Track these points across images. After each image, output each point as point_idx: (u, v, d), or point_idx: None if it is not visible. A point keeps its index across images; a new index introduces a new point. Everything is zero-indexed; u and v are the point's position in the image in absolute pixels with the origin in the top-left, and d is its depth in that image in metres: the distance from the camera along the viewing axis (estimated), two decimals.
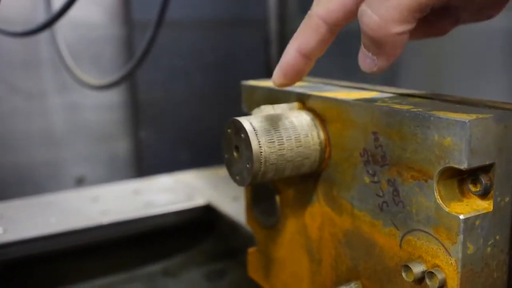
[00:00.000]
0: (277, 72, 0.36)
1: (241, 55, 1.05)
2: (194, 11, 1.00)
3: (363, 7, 0.29)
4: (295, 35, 0.34)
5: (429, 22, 0.34)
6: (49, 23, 0.68)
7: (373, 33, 0.28)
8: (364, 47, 0.30)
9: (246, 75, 1.04)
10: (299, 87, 0.42)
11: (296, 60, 0.34)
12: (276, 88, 0.43)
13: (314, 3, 0.33)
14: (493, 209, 0.29)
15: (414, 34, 0.32)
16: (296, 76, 0.35)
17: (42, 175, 0.99)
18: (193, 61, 1.02)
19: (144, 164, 1.03)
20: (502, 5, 0.31)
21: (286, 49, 0.35)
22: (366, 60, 0.31)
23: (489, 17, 0.31)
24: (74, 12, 0.65)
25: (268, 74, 1.10)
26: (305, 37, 0.34)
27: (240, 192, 0.67)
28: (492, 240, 0.30)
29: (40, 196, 0.78)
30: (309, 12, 0.34)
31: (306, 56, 0.34)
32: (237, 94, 0.48)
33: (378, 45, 0.29)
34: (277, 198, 0.44)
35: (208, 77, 1.03)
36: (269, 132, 0.36)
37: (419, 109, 0.30)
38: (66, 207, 0.73)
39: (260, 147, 0.35)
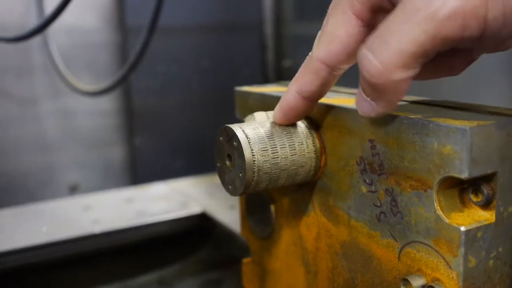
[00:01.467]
0: (278, 111, 0.35)
1: (237, 60, 1.04)
2: (189, 16, 0.99)
3: (363, 51, 0.27)
4: (296, 76, 0.33)
5: (439, 62, 0.32)
6: (41, 28, 0.67)
7: (373, 79, 0.26)
8: (363, 91, 0.28)
9: (242, 80, 1.03)
10: None
11: (296, 102, 0.34)
12: (270, 94, 0.42)
13: (315, 45, 0.32)
14: (495, 220, 0.28)
15: (422, 75, 0.30)
16: (296, 117, 0.35)
17: (35, 183, 0.98)
18: (189, 67, 1.00)
19: (139, 171, 1.01)
20: None
21: (287, 89, 0.34)
22: (363, 104, 0.29)
23: (507, 47, 0.28)
24: (67, 17, 0.64)
25: (264, 79, 1.09)
26: (305, 80, 0.33)
27: (236, 201, 0.66)
28: (495, 253, 0.29)
29: (31, 205, 0.77)
30: (310, 54, 0.32)
31: (306, 98, 0.33)
32: (233, 100, 0.47)
33: (378, 91, 0.27)
34: (272, 207, 0.43)
35: (203, 83, 1.02)
36: (263, 140, 0.34)
37: (417, 116, 0.29)
38: (58, 216, 0.72)
39: (253, 155, 0.34)
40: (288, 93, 0.34)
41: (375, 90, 0.27)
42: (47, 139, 0.97)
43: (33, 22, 0.90)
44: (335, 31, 0.30)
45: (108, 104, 1.00)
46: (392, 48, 0.25)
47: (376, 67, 0.26)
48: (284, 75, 1.03)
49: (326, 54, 0.31)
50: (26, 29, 0.69)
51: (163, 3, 0.69)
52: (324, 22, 0.31)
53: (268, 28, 1.05)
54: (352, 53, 0.30)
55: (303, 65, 0.33)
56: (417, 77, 0.29)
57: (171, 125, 1.02)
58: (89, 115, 0.99)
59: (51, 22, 0.63)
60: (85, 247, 0.66)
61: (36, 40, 0.89)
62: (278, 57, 1.05)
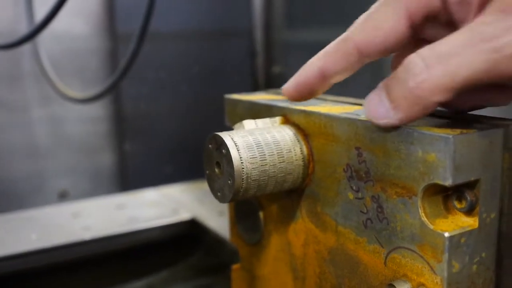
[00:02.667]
0: (292, 85, 0.33)
1: (226, 66, 1.05)
2: (179, 23, 0.99)
3: (416, 59, 0.26)
4: (323, 52, 0.32)
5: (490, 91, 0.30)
6: (32, 35, 0.67)
7: (416, 91, 0.26)
8: (388, 96, 0.27)
9: (232, 86, 1.03)
10: (282, 101, 0.42)
11: (315, 79, 0.32)
12: (259, 102, 0.42)
13: (355, 27, 0.31)
14: (478, 226, 0.29)
15: (472, 101, 0.30)
16: (309, 95, 0.34)
17: (24, 189, 0.97)
18: (178, 73, 1.01)
19: (129, 177, 1.01)
20: None
21: (308, 64, 0.32)
22: (379, 109, 0.28)
23: None
24: (57, 24, 0.64)
25: (254, 85, 1.10)
26: (333, 60, 0.31)
27: (225, 207, 0.66)
28: (478, 258, 0.29)
29: (20, 212, 0.77)
30: (346, 34, 0.31)
31: (326, 78, 0.32)
32: (222, 106, 0.48)
33: (407, 102, 0.26)
34: (261, 214, 0.43)
35: (193, 89, 1.02)
36: (251, 148, 0.35)
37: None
38: (47, 222, 0.72)
39: (242, 163, 0.34)
40: (309, 67, 0.32)
41: (407, 101, 0.27)
42: (36, 146, 0.97)
43: (23, 29, 0.90)
44: (382, 23, 0.29)
45: (98, 110, 1.00)
46: (449, 69, 0.25)
47: (425, 80, 0.25)
48: (273, 81, 1.03)
49: (365, 41, 0.30)
50: (16, 36, 0.69)
51: (153, 11, 0.69)
52: (374, 7, 0.30)
53: (258, 35, 1.06)
54: (388, 50, 0.30)
55: (334, 43, 0.31)
56: (471, 104, 0.30)
57: (161, 131, 1.02)
58: (78, 121, 0.99)
59: (42, 29, 0.63)
60: (75, 253, 0.66)
61: (26, 46, 0.89)
62: (268, 63, 1.05)
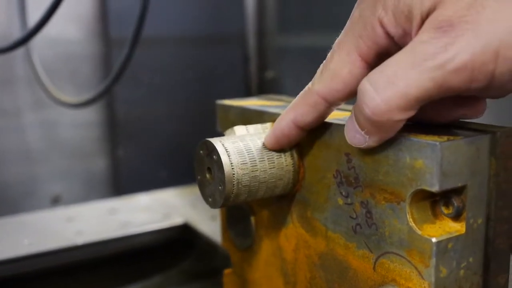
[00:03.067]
0: (271, 136, 0.35)
1: (220, 71, 1.05)
2: (172, 28, 0.99)
3: (366, 86, 0.27)
4: (293, 105, 0.34)
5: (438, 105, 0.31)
6: (25, 40, 0.67)
7: (374, 116, 0.27)
8: (357, 124, 0.29)
9: (226, 91, 1.04)
10: (273, 107, 0.42)
11: (290, 131, 0.34)
12: (250, 108, 0.43)
13: (316, 78, 0.32)
14: (465, 231, 0.29)
15: (438, 116, 0.30)
16: (288, 143, 0.36)
17: (17, 194, 0.97)
18: (172, 78, 1.01)
19: (122, 182, 1.01)
20: None
21: (282, 116, 0.34)
22: (355, 136, 0.29)
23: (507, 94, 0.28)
24: (50, 29, 0.64)
25: (247, 90, 1.10)
26: (302, 111, 0.33)
27: (217, 212, 0.67)
28: (465, 263, 0.30)
29: (13, 216, 0.77)
30: (310, 86, 0.32)
31: (300, 128, 0.34)
32: (215, 111, 0.48)
33: (374, 126, 0.28)
34: (252, 219, 0.43)
35: (187, 94, 1.03)
36: (242, 154, 0.35)
37: None
38: (40, 227, 0.72)
39: (233, 168, 0.34)
40: (283, 120, 0.34)
41: (372, 126, 0.28)
42: (29, 150, 0.97)
43: (16, 33, 0.90)
44: (339, 70, 0.31)
45: (91, 115, 1.00)
46: (398, 90, 0.26)
47: (378, 106, 0.26)
48: (266, 86, 1.04)
49: (327, 91, 0.31)
50: (9, 40, 0.69)
51: (146, 16, 0.70)
52: (328, 57, 0.31)
53: (251, 40, 1.06)
54: (353, 92, 0.31)
55: (301, 95, 0.33)
56: (436, 118, 0.30)
57: (154, 135, 1.02)
58: (71, 126, 0.99)
59: (35, 34, 0.63)
60: (68, 258, 0.66)
61: (19, 51, 0.89)
62: (260, 68, 1.06)
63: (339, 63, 0.31)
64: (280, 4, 1.00)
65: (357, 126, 0.29)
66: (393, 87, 0.26)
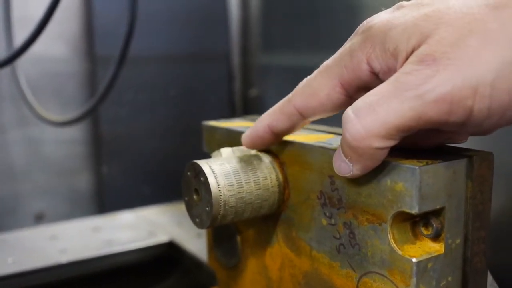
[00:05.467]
0: (247, 137, 0.38)
1: (204, 89, 1.06)
2: (157, 46, 1.00)
3: (349, 113, 0.28)
4: (271, 111, 0.36)
5: (419, 136, 0.32)
6: (10, 60, 0.67)
7: (354, 142, 0.28)
8: (342, 152, 0.30)
9: (210, 109, 1.05)
10: None
11: (264, 134, 0.36)
12: (236, 129, 0.44)
13: (296, 91, 0.34)
14: (444, 251, 0.30)
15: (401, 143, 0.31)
16: (262, 146, 0.38)
17: (0, 211, 0.97)
18: (156, 96, 1.02)
19: (106, 199, 1.01)
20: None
21: (260, 119, 0.36)
22: (341, 164, 0.30)
23: (486, 134, 0.29)
24: (35, 47, 0.64)
25: (231, 108, 1.11)
26: (278, 119, 0.35)
27: (204, 230, 0.67)
28: (445, 282, 0.31)
29: None
30: (289, 97, 0.34)
31: (275, 133, 0.36)
32: (200, 129, 0.49)
33: (356, 154, 0.29)
34: (238, 238, 0.44)
35: (171, 112, 1.03)
36: (228, 175, 0.36)
37: None
38: (24, 246, 0.72)
39: (220, 190, 0.35)
40: (260, 123, 0.36)
41: (354, 153, 0.29)
42: (13, 168, 0.97)
43: (1, 52, 0.90)
44: (318, 90, 0.32)
45: (75, 132, 1.00)
46: (378, 118, 0.27)
47: (359, 132, 0.28)
48: (250, 104, 1.05)
49: (303, 106, 0.33)
50: None
51: (133, 35, 0.70)
52: (313, 75, 0.33)
53: (235, 59, 1.07)
54: (326, 113, 0.33)
55: (280, 103, 0.35)
56: (423, 143, 0.32)
57: (138, 153, 1.02)
58: (55, 143, 0.99)
59: (21, 54, 0.64)
60: (52, 277, 0.66)
61: (4, 69, 0.89)
62: (245, 86, 1.07)
63: (320, 84, 0.32)
64: (264, 24, 1.01)
65: (342, 155, 0.30)
66: (374, 114, 0.27)
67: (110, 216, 0.84)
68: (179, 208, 0.85)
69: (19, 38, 0.83)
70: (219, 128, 0.46)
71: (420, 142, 0.33)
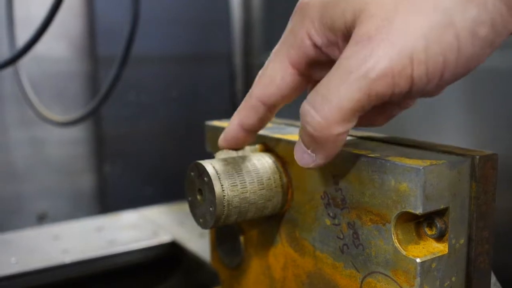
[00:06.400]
0: (222, 140, 0.38)
1: (206, 89, 1.06)
2: (160, 46, 1.01)
3: (306, 107, 0.29)
4: (238, 109, 0.36)
5: (372, 113, 0.34)
6: (13, 60, 0.67)
7: (316, 133, 0.29)
8: (303, 144, 0.31)
9: (212, 109, 1.05)
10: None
11: (237, 133, 0.37)
12: None
13: (254, 84, 0.35)
14: (448, 252, 0.30)
15: (357, 124, 0.32)
16: (237, 145, 0.38)
17: (3, 212, 0.97)
18: (159, 96, 1.02)
19: (108, 199, 1.01)
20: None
21: (231, 119, 0.37)
22: (303, 156, 0.31)
23: (433, 95, 0.31)
24: (38, 47, 0.65)
25: (233, 108, 1.11)
26: (245, 114, 0.36)
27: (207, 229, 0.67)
28: (448, 282, 0.31)
29: None
30: (250, 91, 0.35)
31: (246, 130, 0.36)
32: (202, 129, 0.49)
33: (318, 144, 0.30)
34: (241, 238, 0.44)
35: (173, 112, 1.04)
36: (232, 176, 0.36)
37: (376, 155, 0.31)
38: (27, 246, 0.72)
39: (223, 190, 0.35)
40: (231, 124, 0.37)
41: (316, 143, 0.30)
42: (16, 168, 0.97)
43: (4, 51, 0.90)
44: (273, 76, 0.33)
45: (78, 132, 1.01)
46: (333, 105, 0.28)
47: (319, 123, 0.28)
48: None
49: (263, 94, 0.34)
50: None
51: (135, 36, 0.71)
52: (266, 64, 0.34)
53: (237, 59, 1.08)
54: (286, 96, 0.34)
55: (244, 100, 0.36)
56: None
57: (140, 153, 1.02)
58: (58, 143, 0.99)
59: (24, 54, 0.64)
60: (55, 277, 0.66)
61: (7, 69, 0.89)
62: (246, 86, 1.07)
63: (273, 70, 0.33)
64: (265, 24, 1.01)
65: (303, 147, 0.31)
66: (328, 103, 0.28)
67: (112, 216, 0.85)
68: (182, 208, 0.85)
69: (22, 38, 0.83)
70: (222, 128, 0.46)
71: (375, 120, 0.34)
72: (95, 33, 0.94)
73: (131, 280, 0.73)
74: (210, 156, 0.44)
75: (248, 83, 1.07)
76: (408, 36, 0.26)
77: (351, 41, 0.28)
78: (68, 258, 0.68)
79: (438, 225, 0.30)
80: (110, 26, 0.94)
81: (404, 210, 0.30)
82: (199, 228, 0.73)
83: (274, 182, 0.38)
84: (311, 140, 0.30)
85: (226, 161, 0.37)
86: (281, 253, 0.40)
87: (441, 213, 0.30)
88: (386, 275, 0.31)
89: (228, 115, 0.48)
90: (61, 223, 0.82)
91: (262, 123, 0.36)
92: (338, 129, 0.28)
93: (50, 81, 0.96)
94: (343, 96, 0.28)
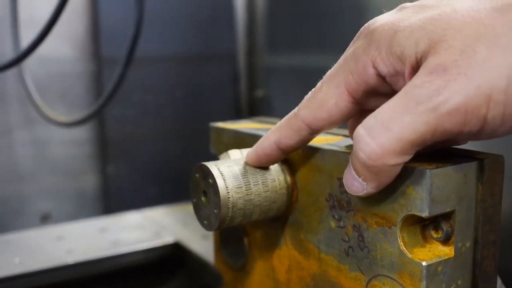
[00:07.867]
0: (253, 154, 0.36)
1: (210, 90, 1.06)
2: (163, 47, 1.01)
3: (361, 132, 0.27)
4: (278, 127, 0.35)
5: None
6: (18, 61, 0.67)
7: (369, 161, 0.27)
8: (355, 171, 0.29)
9: (216, 110, 1.05)
10: (266, 130, 0.43)
11: (271, 151, 0.35)
12: (243, 131, 0.43)
13: (302, 105, 0.33)
14: (454, 255, 0.30)
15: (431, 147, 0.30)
16: (268, 163, 0.37)
17: (6, 212, 0.97)
18: (162, 96, 1.02)
19: (112, 200, 1.01)
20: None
21: (266, 136, 0.35)
22: (354, 183, 0.29)
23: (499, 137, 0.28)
24: (42, 47, 0.65)
25: (237, 110, 1.11)
26: (286, 134, 0.34)
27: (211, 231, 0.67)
28: (454, 285, 0.31)
29: (2, 235, 0.76)
30: (296, 111, 0.33)
31: (282, 150, 0.35)
32: (206, 129, 0.49)
33: (371, 172, 0.28)
34: (246, 240, 0.44)
35: (177, 112, 1.03)
36: (237, 178, 0.36)
37: None
38: (30, 246, 0.72)
39: (228, 192, 0.35)
40: (266, 140, 0.35)
41: (369, 172, 0.28)
42: (19, 168, 0.97)
43: (8, 52, 0.90)
44: (326, 100, 0.31)
45: (82, 133, 1.01)
46: (393, 135, 0.26)
47: (373, 150, 0.27)
48: (256, 104, 1.05)
49: (311, 118, 0.32)
50: (1, 60, 0.70)
51: (140, 36, 0.71)
52: (318, 86, 0.32)
53: (241, 59, 1.07)
54: (336, 123, 0.32)
55: (286, 119, 0.34)
56: None
57: (144, 154, 1.02)
58: (62, 144, 0.99)
59: (28, 55, 0.64)
60: (58, 278, 0.66)
61: (11, 69, 0.89)
62: (250, 87, 1.07)
63: (327, 94, 0.31)
64: (270, 24, 1.01)
65: (354, 174, 0.29)
66: (388, 131, 0.26)
67: (116, 216, 0.85)
68: (185, 209, 0.85)
69: (26, 39, 0.83)
70: (226, 129, 0.46)
71: (425, 148, 0.32)
72: (99, 34, 0.94)
73: (135, 281, 0.72)
74: (215, 157, 0.44)
75: (252, 84, 1.07)
76: (489, 73, 0.24)
77: (423, 70, 0.26)
78: (71, 259, 0.68)
79: (444, 228, 0.30)
80: (114, 27, 0.94)
81: (410, 213, 0.29)
82: (202, 229, 0.73)
83: (279, 184, 0.37)
84: (364, 168, 0.28)
85: (231, 163, 0.37)
86: (285, 255, 0.40)
87: (447, 216, 0.30)
88: (391, 278, 0.31)
89: (231, 115, 0.49)
90: (65, 224, 0.82)
91: (300, 145, 0.35)
92: (394, 160, 0.27)
93: (54, 82, 0.96)
94: (406, 126, 0.26)
